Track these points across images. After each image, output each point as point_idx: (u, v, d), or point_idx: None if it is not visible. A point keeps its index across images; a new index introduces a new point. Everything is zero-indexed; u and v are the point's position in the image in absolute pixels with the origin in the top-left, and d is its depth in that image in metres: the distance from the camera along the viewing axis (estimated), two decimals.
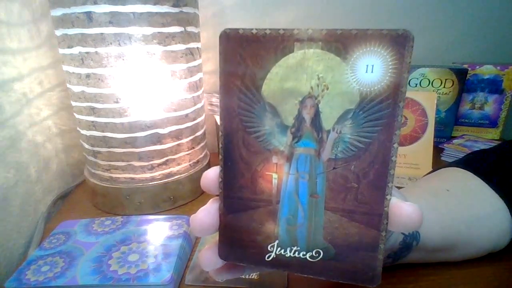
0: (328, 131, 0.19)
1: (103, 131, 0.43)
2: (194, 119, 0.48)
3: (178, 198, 0.49)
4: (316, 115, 0.19)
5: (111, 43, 0.38)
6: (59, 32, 0.40)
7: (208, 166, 0.55)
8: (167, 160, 0.46)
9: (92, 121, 0.43)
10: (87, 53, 0.39)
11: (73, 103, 0.44)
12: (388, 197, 0.19)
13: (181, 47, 0.43)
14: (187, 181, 0.49)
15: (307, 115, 0.19)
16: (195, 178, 0.50)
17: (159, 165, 0.46)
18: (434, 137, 0.56)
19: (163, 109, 0.43)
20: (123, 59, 0.39)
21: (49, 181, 0.52)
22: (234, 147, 0.20)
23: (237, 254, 0.21)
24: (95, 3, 0.36)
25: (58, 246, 0.37)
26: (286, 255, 0.20)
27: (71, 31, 0.38)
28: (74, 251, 0.35)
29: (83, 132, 0.45)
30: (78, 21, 0.37)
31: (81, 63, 0.40)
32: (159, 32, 0.40)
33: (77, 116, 0.45)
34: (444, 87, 0.67)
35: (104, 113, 0.42)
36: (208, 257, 0.22)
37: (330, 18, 0.67)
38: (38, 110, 0.50)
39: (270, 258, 0.20)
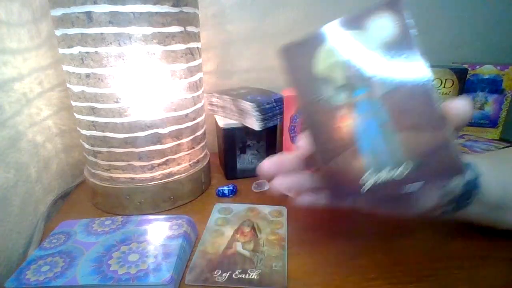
0: (372, 77, 0.25)
1: (103, 131, 0.43)
2: (194, 119, 0.48)
3: (178, 198, 0.49)
4: (358, 70, 0.25)
5: (111, 43, 0.38)
6: (59, 32, 0.40)
7: (208, 166, 0.55)
8: (167, 160, 0.46)
9: (92, 121, 0.43)
10: (87, 53, 0.39)
11: (73, 103, 0.44)
12: (437, 102, 0.23)
13: (181, 47, 0.43)
14: (187, 181, 0.49)
15: (353, 70, 0.25)
16: (195, 178, 0.50)
17: (159, 165, 0.46)
18: None
19: (163, 109, 0.43)
20: (123, 59, 0.39)
21: (49, 181, 0.52)
22: (312, 117, 0.26)
23: (341, 194, 0.26)
24: (95, 3, 0.36)
25: (58, 246, 0.37)
26: (380, 180, 0.24)
27: (71, 31, 0.38)
28: (74, 251, 0.35)
29: (83, 132, 0.45)
30: (78, 21, 0.37)
31: (81, 63, 0.40)
32: (159, 32, 0.40)
33: (77, 116, 0.45)
34: (444, 87, 0.67)
35: (104, 113, 0.42)
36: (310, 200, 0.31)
37: (330, 18, 0.67)
38: (38, 110, 0.50)
39: (368, 186, 0.25)
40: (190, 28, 0.43)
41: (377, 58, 0.25)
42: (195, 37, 0.45)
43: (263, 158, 0.57)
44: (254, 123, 0.50)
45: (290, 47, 0.28)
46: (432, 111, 0.23)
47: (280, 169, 0.31)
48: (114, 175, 0.46)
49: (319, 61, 0.26)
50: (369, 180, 0.25)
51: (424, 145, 0.23)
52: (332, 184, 0.26)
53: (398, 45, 0.24)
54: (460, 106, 0.23)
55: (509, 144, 0.64)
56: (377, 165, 0.24)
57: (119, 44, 0.38)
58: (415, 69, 0.24)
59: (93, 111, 0.42)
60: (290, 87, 0.27)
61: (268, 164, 0.31)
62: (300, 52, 0.27)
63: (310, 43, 0.27)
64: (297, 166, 0.31)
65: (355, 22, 0.26)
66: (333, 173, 0.26)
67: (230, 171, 0.57)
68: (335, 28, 0.26)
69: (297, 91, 0.27)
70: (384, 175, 0.24)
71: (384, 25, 0.24)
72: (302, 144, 0.28)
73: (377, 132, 0.25)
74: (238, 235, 0.41)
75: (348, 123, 0.25)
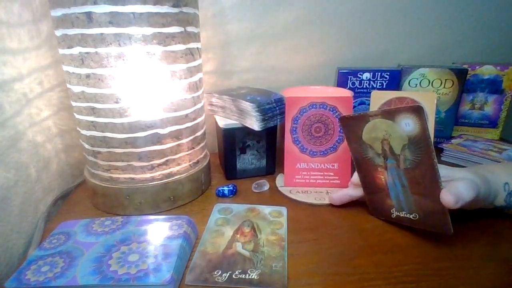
0: (398, 155, 0.37)
1: (103, 131, 0.43)
2: (194, 119, 0.48)
3: (178, 198, 0.49)
4: (390, 147, 0.37)
5: (111, 44, 0.38)
6: (59, 33, 0.40)
7: (208, 166, 0.55)
8: (167, 160, 0.46)
9: (92, 121, 0.43)
10: (87, 53, 0.39)
11: (73, 103, 0.44)
12: (441, 186, 0.34)
13: (181, 47, 0.43)
14: (187, 181, 0.49)
15: (387, 147, 0.37)
16: (195, 178, 0.50)
17: (159, 165, 0.46)
18: (434, 137, 0.56)
19: (163, 109, 0.43)
20: (123, 60, 0.39)
21: (49, 181, 0.52)
22: (362, 166, 0.41)
23: (377, 213, 0.41)
24: (95, 3, 0.36)
25: (58, 246, 0.37)
26: (401, 215, 0.38)
27: (71, 31, 0.38)
28: (74, 251, 0.35)
29: (83, 132, 0.45)
30: (78, 21, 0.37)
31: (81, 63, 0.40)
32: (159, 32, 0.40)
33: (77, 116, 0.45)
34: (444, 87, 0.67)
35: (104, 113, 0.42)
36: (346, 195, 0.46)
37: (330, 18, 0.67)
38: (38, 110, 0.50)
39: (394, 216, 0.39)
40: (190, 29, 0.43)
41: (402, 143, 0.36)
42: (195, 37, 0.45)
43: (263, 158, 0.57)
44: (254, 124, 0.51)
45: (345, 117, 0.40)
46: (435, 189, 0.34)
47: (344, 199, 0.47)
48: (114, 175, 0.46)
49: (364, 132, 0.38)
50: (395, 213, 0.38)
51: (427, 207, 0.36)
52: (373, 207, 0.41)
53: (418, 139, 0.34)
54: (443, 197, 0.34)
55: (509, 144, 0.64)
56: (398, 207, 0.38)
57: (119, 45, 0.38)
58: (426, 156, 0.34)
59: (93, 111, 0.42)
60: (351, 148, 0.40)
61: (336, 197, 0.47)
62: (352, 123, 0.39)
63: (359, 119, 0.38)
64: (354, 194, 0.46)
65: (390, 114, 0.35)
66: (374, 201, 0.40)
67: (230, 171, 0.57)
68: (374, 113, 0.36)
69: (351, 147, 0.41)
70: (403, 214, 0.38)
71: (408, 122, 0.34)
72: (355, 179, 0.44)
73: (400, 189, 0.37)
74: (238, 235, 0.41)
75: (383, 176, 0.39)
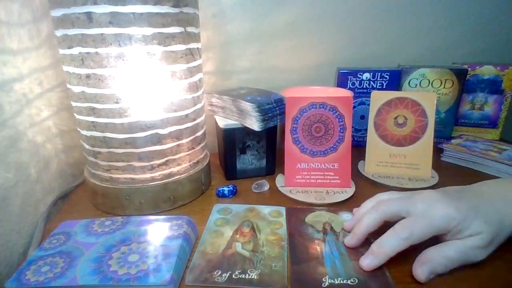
0: (339, 232, 0.42)
1: (103, 132, 0.43)
2: (194, 119, 0.48)
3: (178, 199, 0.49)
4: (331, 227, 0.43)
5: (111, 44, 0.38)
6: (59, 33, 0.40)
7: (208, 166, 0.55)
8: (167, 161, 0.46)
9: (92, 122, 0.43)
10: (87, 53, 0.39)
11: (73, 104, 0.44)
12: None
13: (181, 47, 0.43)
14: (187, 181, 0.49)
15: (328, 227, 0.43)
16: (195, 179, 0.50)
17: (159, 165, 0.46)
18: (434, 138, 0.56)
19: (163, 109, 0.43)
20: (123, 60, 0.39)
21: (49, 181, 0.52)
22: (295, 239, 0.40)
23: (303, 286, 0.34)
24: (95, 3, 0.36)
25: (58, 246, 0.37)
26: (335, 283, 0.34)
27: (71, 31, 0.38)
28: (74, 252, 0.36)
29: (83, 132, 0.45)
30: (78, 21, 0.37)
31: (81, 64, 0.40)
32: (159, 33, 0.40)
33: (77, 116, 0.45)
34: (444, 87, 0.67)
35: (104, 114, 0.42)
36: None
37: (330, 18, 0.67)
38: (38, 111, 0.50)
39: (326, 285, 0.33)
40: (190, 29, 0.43)
41: (342, 225, 0.43)
42: (195, 37, 0.45)
43: (263, 158, 0.57)
44: (254, 124, 0.51)
45: (293, 208, 0.47)
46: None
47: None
48: (114, 176, 0.46)
49: (309, 217, 0.45)
50: (327, 281, 0.34)
51: (366, 271, 0.35)
52: (299, 279, 0.34)
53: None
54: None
55: (509, 144, 0.64)
56: (333, 274, 0.35)
57: (119, 45, 0.38)
58: None
59: (93, 111, 0.42)
60: (288, 228, 0.42)
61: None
62: (298, 212, 0.46)
63: (305, 209, 0.47)
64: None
65: (333, 210, 0.47)
66: (301, 272, 0.35)
67: (230, 172, 0.57)
68: (320, 208, 0.47)
69: (288, 225, 0.43)
70: (338, 281, 0.34)
71: (348, 215, 0.45)
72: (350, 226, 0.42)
73: (337, 256, 0.37)
74: (238, 236, 0.41)
75: (319, 248, 0.39)
